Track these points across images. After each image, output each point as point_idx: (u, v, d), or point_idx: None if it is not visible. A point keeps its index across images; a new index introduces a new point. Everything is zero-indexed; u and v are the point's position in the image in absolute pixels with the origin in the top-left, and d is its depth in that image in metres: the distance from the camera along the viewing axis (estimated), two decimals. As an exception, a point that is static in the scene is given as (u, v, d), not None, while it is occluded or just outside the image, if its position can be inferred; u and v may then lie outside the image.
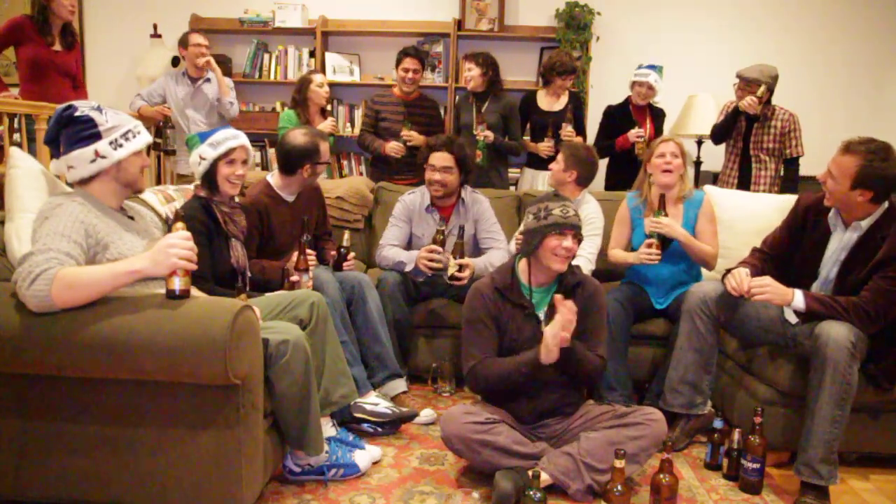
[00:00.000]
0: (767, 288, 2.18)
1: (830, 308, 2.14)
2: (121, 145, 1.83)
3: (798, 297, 2.18)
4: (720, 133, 3.76)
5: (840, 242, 2.26)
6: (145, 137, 1.90)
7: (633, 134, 3.77)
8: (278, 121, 4.03)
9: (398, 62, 3.86)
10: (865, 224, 2.20)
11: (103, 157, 1.81)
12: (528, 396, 2.17)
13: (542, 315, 2.17)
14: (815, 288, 2.32)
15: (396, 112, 3.87)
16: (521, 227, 2.23)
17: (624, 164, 3.87)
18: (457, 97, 4.59)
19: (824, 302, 2.16)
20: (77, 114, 1.80)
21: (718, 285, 2.38)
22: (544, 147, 3.77)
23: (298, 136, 2.69)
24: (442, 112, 5.02)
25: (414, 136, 3.75)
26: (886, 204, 2.18)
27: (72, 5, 3.68)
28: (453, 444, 2.08)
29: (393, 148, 3.77)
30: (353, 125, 5.05)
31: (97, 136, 1.80)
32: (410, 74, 3.82)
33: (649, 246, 2.64)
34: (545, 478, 2.00)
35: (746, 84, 3.49)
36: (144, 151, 1.92)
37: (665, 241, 2.67)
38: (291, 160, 2.69)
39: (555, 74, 3.81)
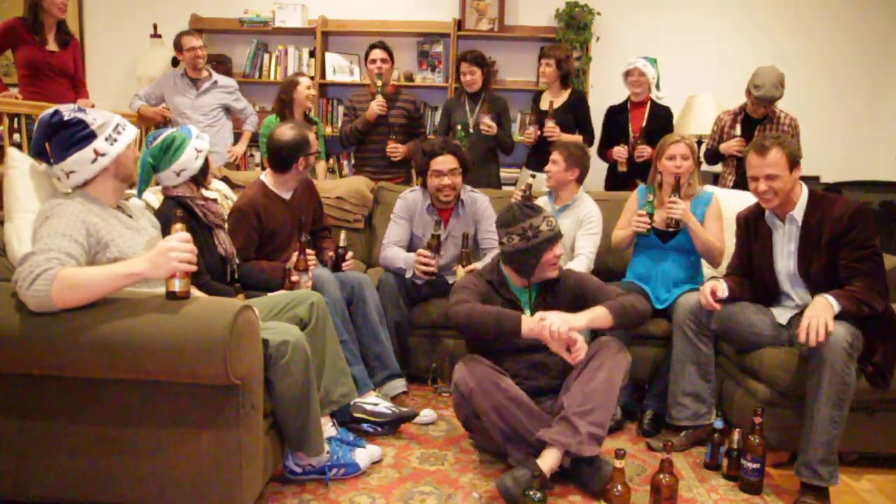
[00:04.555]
0: (821, 320, 2.06)
1: (856, 300, 2.14)
2: (115, 140, 1.84)
3: (834, 303, 2.13)
4: (708, 162, 3.89)
5: (784, 236, 2.36)
6: (133, 128, 1.92)
7: (616, 152, 3.80)
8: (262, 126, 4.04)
9: (366, 56, 3.90)
10: (798, 214, 2.30)
11: (103, 154, 1.81)
12: (524, 377, 2.21)
13: (528, 313, 2.20)
14: (784, 283, 2.40)
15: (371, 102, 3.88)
16: (502, 240, 2.24)
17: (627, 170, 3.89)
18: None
19: (848, 296, 2.15)
20: (66, 118, 1.79)
21: (702, 296, 2.41)
22: (525, 136, 3.81)
23: (287, 132, 2.68)
24: (439, 112, 5.04)
25: (399, 149, 3.83)
26: (807, 190, 2.32)
27: (63, 3, 3.65)
28: (468, 383, 2.07)
29: (374, 108, 3.76)
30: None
31: (92, 136, 1.80)
32: (378, 63, 3.82)
33: (640, 216, 2.74)
34: (553, 455, 2.00)
35: (767, 103, 3.52)
36: (134, 143, 1.94)
37: (669, 234, 2.74)
38: (284, 157, 2.67)
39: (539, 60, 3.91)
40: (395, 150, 3.82)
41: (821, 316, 2.06)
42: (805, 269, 2.30)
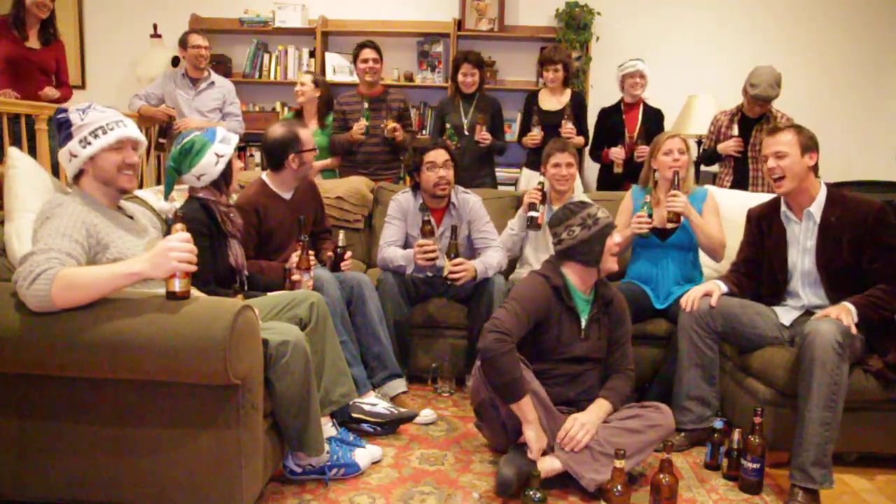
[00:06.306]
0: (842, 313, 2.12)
1: (876, 308, 2.16)
2: (89, 143, 1.84)
3: (853, 309, 2.15)
4: (706, 162, 3.93)
5: (799, 232, 2.36)
6: (119, 132, 1.85)
7: (613, 153, 3.82)
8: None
9: (356, 56, 3.88)
10: (815, 210, 2.31)
11: (75, 155, 1.84)
12: (557, 383, 2.19)
13: (584, 322, 2.20)
14: (795, 281, 2.40)
15: (360, 110, 3.84)
16: (562, 237, 2.21)
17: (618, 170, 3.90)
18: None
19: (868, 305, 2.16)
20: (59, 116, 1.85)
21: (708, 299, 2.41)
22: (529, 138, 3.78)
23: (276, 129, 2.71)
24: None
25: (398, 128, 3.74)
26: (825, 188, 2.34)
27: (42, 3, 3.62)
28: None
29: (356, 133, 3.72)
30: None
31: (69, 137, 1.85)
32: (370, 63, 3.81)
33: (640, 216, 2.72)
34: (556, 466, 2.02)
35: (763, 102, 3.52)
36: (127, 148, 1.88)
37: (668, 232, 2.74)
38: (275, 154, 2.69)
39: (542, 67, 3.88)
40: (395, 128, 3.73)
41: (846, 315, 2.09)
42: (824, 266, 2.30)
